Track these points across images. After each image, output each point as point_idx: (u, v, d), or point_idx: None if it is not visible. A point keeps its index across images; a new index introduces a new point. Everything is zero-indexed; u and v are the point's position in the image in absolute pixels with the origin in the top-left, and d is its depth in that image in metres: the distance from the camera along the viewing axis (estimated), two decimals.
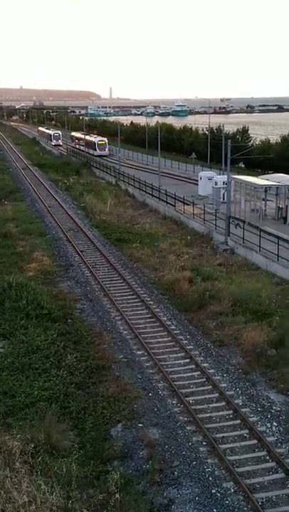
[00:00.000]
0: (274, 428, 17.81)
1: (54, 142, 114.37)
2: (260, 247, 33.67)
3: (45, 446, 16.16)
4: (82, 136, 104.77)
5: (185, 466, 15.96)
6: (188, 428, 17.79)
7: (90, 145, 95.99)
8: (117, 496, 14.08)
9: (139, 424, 17.99)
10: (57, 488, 14.22)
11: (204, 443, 17.02)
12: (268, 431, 17.65)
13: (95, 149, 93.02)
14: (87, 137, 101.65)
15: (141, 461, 16.24)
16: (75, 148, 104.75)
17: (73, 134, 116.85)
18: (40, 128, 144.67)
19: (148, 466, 15.95)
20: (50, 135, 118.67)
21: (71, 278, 32.84)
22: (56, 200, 57.87)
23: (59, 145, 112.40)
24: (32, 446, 15.74)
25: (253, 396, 19.70)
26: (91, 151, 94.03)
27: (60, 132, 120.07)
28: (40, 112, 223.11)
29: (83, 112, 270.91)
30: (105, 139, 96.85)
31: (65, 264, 35.56)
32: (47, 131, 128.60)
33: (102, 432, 17.64)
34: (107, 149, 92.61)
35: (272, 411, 18.74)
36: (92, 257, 36.91)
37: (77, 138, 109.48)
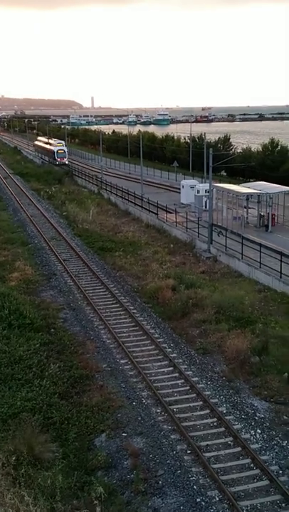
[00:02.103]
0: (258, 435, 17.81)
1: (58, 160, 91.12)
2: (242, 254, 33.84)
3: (28, 457, 15.95)
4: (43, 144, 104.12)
5: (169, 475, 15.88)
6: (172, 437, 17.73)
7: (49, 154, 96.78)
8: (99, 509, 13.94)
9: (123, 434, 17.89)
10: (41, 499, 14.04)
11: (189, 451, 16.96)
12: (252, 438, 17.65)
13: (55, 158, 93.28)
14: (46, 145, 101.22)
15: (125, 471, 16.14)
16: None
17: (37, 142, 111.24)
18: (37, 142, 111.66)
19: (132, 475, 15.84)
20: (54, 152, 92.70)
21: (54, 287, 32.67)
22: (38, 209, 57.65)
23: (64, 164, 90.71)
24: (14, 457, 15.54)
25: (236, 403, 19.70)
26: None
27: (65, 148, 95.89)
28: (21, 121, 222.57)
29: (65, 120, 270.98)
30: (63, 142, 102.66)
31: (47, 273, 35.38)
32: (48, 146, 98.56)
33: (86, 442, 17.51)
34: (66, 157, 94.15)
35: (256, 418, 18.75)
36: (74, 266, 36.78)
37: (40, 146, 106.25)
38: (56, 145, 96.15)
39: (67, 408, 19.19)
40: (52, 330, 25.88)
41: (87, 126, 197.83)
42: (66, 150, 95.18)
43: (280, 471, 15.97)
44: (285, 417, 18.66)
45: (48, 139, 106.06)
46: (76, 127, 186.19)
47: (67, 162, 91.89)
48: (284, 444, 17.24)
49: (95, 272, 35.13)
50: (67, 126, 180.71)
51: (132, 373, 21.97)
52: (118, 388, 20.70)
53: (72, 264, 37.23)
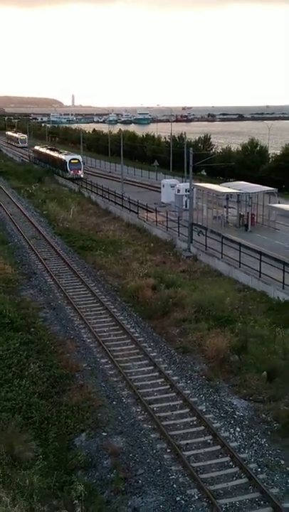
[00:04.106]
0: (237, 433, 17.95)
1: (71, 173, 72.54)
2: (222, 254, 34.02)
3: (7, 457, 15.89)
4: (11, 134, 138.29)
5: (149, 474, 15.93)
6: (152, 436, 17.78)
7: (15, 140, 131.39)
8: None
9: (103, 433, 17.90)
10: (20, 500, 13.96)
11: (168, 450, 17.03)
12: (231, 436, 17.78)
13: (18, 143, 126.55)
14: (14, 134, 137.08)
15: (105, 471, 16.15)
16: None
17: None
18: (40, 148, 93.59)
19: (112, 475, 15.86)
20: (65, 162, 73.49)
21: (34, 286, 32.52)
22: (18, 207, 57.31)
23: (79, 178, 71.57)
24: None
25: (216, 402, 19.83)
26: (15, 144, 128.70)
27: (79, 157, 76.18)
28: (1, 119, 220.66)
29: (45, 119, 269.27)
30: (25, 135, 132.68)
31: (27, 272, 35.20)
32: (56, 154, 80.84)
33: (66, 442, 17.50)
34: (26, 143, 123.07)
35: (235, 416, 18.90)
36: (55, 265, 36.65)
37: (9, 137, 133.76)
38: (68, 154, 78.53)
39: (47, 408, 19.15)
40: (32, 329, 25.77)
41: (67, 125, 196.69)
42: (81, 160, 75.49)
43: (259, 469, 16.12)
44: (263, 415, 18.83)
45: (47, 142, 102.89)
46: (57, 125, 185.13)
47: (82, 175, 72.07)
48: (262, 442, 17.40)
49: (76, 271, 35.05)
50: (47, 125, 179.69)
51: (112, 372, 21.98)
52: (98, 387, 20.70)
53: (53, 263, 37.09)
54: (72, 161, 73.09)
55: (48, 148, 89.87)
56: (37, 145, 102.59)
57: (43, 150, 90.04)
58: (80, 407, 19.10)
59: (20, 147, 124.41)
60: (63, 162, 74.25)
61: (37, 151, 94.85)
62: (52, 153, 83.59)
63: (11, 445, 16.27)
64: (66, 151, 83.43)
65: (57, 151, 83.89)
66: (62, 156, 76.16)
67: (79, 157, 76.04)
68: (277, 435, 17.72)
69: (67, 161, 73.01)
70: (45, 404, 19.38)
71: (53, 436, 17.66)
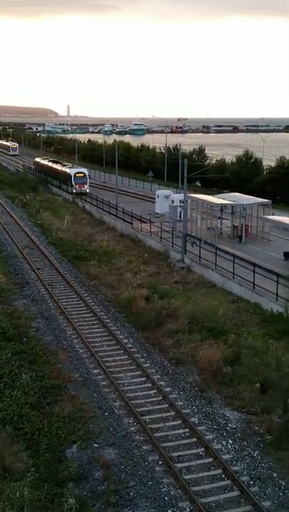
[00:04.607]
0: (229, 446, 17.85)
1: (76, 188, 67.64)
2: (216, 265, 34.04)
3: None
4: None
5: (141, 487, 15.80)
6: (144, 447, 17.66)
7: (6, 148, 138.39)
8: None
9: (95, 445, 17.76)
10: None
11: (160, 462, 16.91)
12: (223, 449, 17.68)
13: (9, 151, 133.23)
14: (5, 143, 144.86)
15: (96, 483, 16.00)
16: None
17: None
18: (41, 160, 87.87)
19: (104, 487, 15.72)
20: (70, 176, 68.70)
21: (27, 296, 32.38)
22: (12, 217, 57.20)
23: (84, 193, 66.64)
24: None
25: (209, 414, 19.74)
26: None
27: (85, 171, 70.97)
28: None
29: (40, 128, 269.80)
30: (16, 144, 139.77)
31: (20, 281, 35.07)
32: (59, 167, 75.35)
33: (57, 453, 17.33)
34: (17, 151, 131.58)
35: (228, 428, 18.81)
36: (48, 275, 36.54)
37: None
38: (73, 167, 73.32)
39: (39, 419, 19.00)
40: (24, 339, 25.61)
41: (62, 135, 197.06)
42: (87, 174, 70.38)
43: (251, 482, 16.02)
44: (256, 427, 18.75)
45: (41, 152, 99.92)
46: (52, 135, 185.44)
47: (88, 190, 67.30)
48: (255, 455, 17.31)
49: (69, 281, 34.96)
50: (42, 134, 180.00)
51: (104, 383, 21.86)
52: (90, 398, 20.57)
53: (46, 273, 36.98)
54: (77, 175, 68.29)
55: (50, 161, 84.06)
56: (38, 157, 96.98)
57: (45, 162, 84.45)
58: (71, 418, 18.96)
59: (11, 155, 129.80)
60: (68, 176, 69.38)
61: (38, 164, 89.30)
62: (55, 165, 78.25)
63: (1, 456, 16.15)
64: (70, 164, 78.53)
65: (60, 163, 78.76)
66: (67, 170, 71.18)
67: (85, 170, 70.88)
68: (269, 448, 17.63)
69: (72, 175, 68.15)
70: (37, 415, 19.24)
71: (44, 447, 17.51)
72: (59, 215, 55.76)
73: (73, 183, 67.68)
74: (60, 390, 21.04)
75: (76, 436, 18.09)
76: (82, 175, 68.72)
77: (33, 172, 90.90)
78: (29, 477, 15.76)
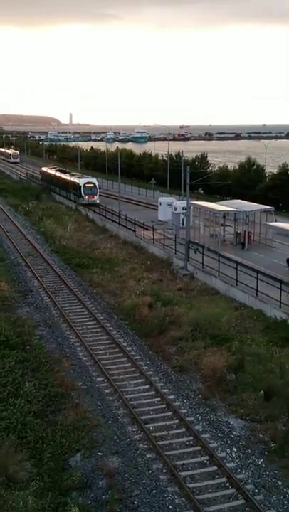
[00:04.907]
0: (234, 454, 17.77)
1: (86, 199, 65.73)
2: (219, 272, 34.00)
3: (1, 477, 15.69)
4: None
5: (145, 495, 15.72)
6: (148, 456, 17.59)
7: (7, 156, 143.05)
8: None
9: (99, 453, 17.70)
10: None
11: (164, 471, 16.84)
12: (227, 457, 17.60)
13: (10, 158, 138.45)
14: (6, 150, 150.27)
15: (100, 491, 15.93)
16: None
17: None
18: (48, 170, 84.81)
19: (108, 496, 15.65)
20: (79, 187, 66.50)
21: (30, 304, 32.38)
22: (15, 225, 57.32)
23: (94, 204, 64.90)
24: None
25: (213, 422, 19.66)
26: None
27: (95, 181, 68.75)
28: None
29: (43, 137, 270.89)
30: (17, 151, 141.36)
31: (24, 289, 35.08)
32: (68, 177, 72.58)
33: (61, 462, 17.26)
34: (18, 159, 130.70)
35: (232, 436, 18.73)
36: (51, 283, 36.55)
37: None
38: (82, 177, 70.90)
39: (42, 427, 18.93)
40: (27, 347, 25.59)
41: (65, 143, 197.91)
42: (97, 184, 68.15)
43: (256, 490, 15.94)
44: (260, 435, 18.66)
45: (44, 160, 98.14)
46: (54, 143, 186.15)
47: (98, 201, 65.29)
48: (259, 463, 17.23)
49: (72, 288, 34.96)
50: (45, 143, 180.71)
51: (108, 391, 21.81)
52: (94, 406, 20.52)
53: (49, 281, 37.00)
54: (86, 185, 66.02)
55: (57, 170, 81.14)
56: (42, 165, 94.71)
57: (52, 172, 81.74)
58: (75, 427, 18.89)
59: (12, 163, 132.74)
60: (77, 186, 67.09)
61: (44, 173, 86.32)
62: (63, 175, 75.43)
63: (5, 465, 16.09)
64: (79, 174, 76.10)
65: (68, 173, 75.77)
66: (76, 180, 68.72)
67: (94, 180, 68.68)
68: (274, 455, 17.54)
69: (82, 185, 65.90)
70: (40, 423, 19.17)
71: (47, 456, 17.44)
72: (62, 223, 55.84)
73: (83, 193, 65.67)
74: (64, 398, 20.99)
75: (80, 444, 18.03)
76: (92, 185, 66.55)
77: (40, 182, 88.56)
78: (33, 486, 15.70)
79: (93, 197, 65.51)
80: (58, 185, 77.05)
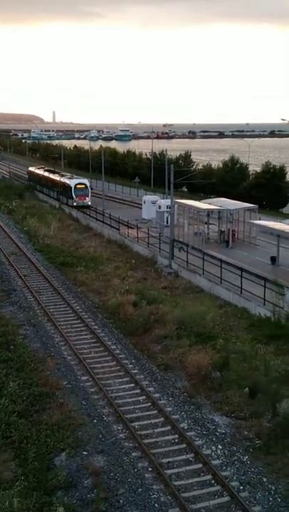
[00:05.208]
0: (219, 451, 17.82)
1: (77, 200, 62.42)
2: (203, 270, 34.08)
3: None
4: None
5: (130, 494, 15.71)
6: (133, 454, 17.57)
7: None
8: None
9: (84, 452, 17.64)
10: None
11: (150, 469, 16.83)
12: (213, 454, 17.65)
13: None
14: None
15: (86, 490, 15.88)
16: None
17: None
18: (36, 170, 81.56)
19: (93, 495, 15.60)
20: (70, 188, 63.35)
21: (14, 303, 32.17)
22: None
23: (86, 206, 61.63)
24: None
25: (198, 419, 19.70)
26: None
27: (86, 182, 65.70)
28: None
29: (26, 135, 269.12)
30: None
31: (7, 289, 34.84)
32: (57, 178, 69.43)
33: (46, 462, 17.17)
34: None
35: (217, 434, 18.78)
36: (35, 282, 36.36)
37: None
38: (72, 178, 67.52)
39: (27, 427, 18.84)
40: (11, 347, 25.43)
41: (48, 141, 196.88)
42: (88, 185, 64.90)
43: (241, 487, 16.00)
44: (245, 432, 18.74)
45: (27, 158, 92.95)
46: (37, 142, 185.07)
47: (90, 203, 61.84)
48: (244, 460, 17.30)
49: (56, 287, 34.81)
50: (28, 141, 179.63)
51: (93, 390, 21.75)
52: (79, 406, 20.45)
53: (33, 280, 36.80)
54: (77, 186, 62.69)
55: (46, 170, 77.40)
56: (32, 165, 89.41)
57: (40, 172, 78.19)
58: (60, 426, 18.82)
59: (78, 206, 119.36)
60: (67, 187, 63.65)
61: (32, 173, 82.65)
62: (52, 176, 72.07)
63: None
64: (69, 174, 72.32)
65: (58, 173, 72.15)
66: (66, 180, 65.40)
67: (86, 181, 65.27)
68: (259, 452, 17.62)
69: (73, 186, 62.57)
70: (25, 423, 19.08)
71: (32, 455, 17.35)
72: (45, 222, 55.60)
73: (73, 195, 62.25)
74: (49, 397, 20.90)
75: (65, 444, 17.96)
76: (83, 186, 63.16)
77: (28, 183, 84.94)
78: (18, 486, 15.62)
79: (85, 198, 62.37)
80: (47, 186, 73.98)
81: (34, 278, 37.39)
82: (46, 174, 75.25)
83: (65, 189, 64.85)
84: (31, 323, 28.88)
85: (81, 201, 61.90)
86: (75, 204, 62.04)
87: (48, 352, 25.30)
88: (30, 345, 26.05)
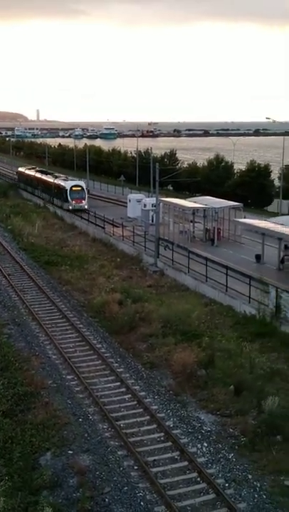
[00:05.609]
0: (204, 449, 17.85)
1: (73, 204, 58.18)
2: (189, 268, 34.12)
3: None
4: None
5: (116, 492, 15.68)
6: (119, 453, 17.54)
7: None
8: None
9: (69, 451, 17.58)
10: None
11: (136, 467, 16.81)
12: (198, 452, 17.67)
13: None
14: None
15: (71, 490, 15.82)
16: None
17: None
18: (26, 170, 77.83)
19: (79, 494, 15.55)
20: (65, 190, 59.12)
21: None
22: None
23: (83, 210, 57.67)
24: None
25: (183, 417, 19.72)
26: None
27: (83, 184, 62.24)
28: None
29: (10, 133, 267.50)
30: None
31: None
32: (51, 179, 65.52)
33: (31, 461, 17.09)
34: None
35: (203, 431, 18.81)
36: (19, 281, 36.15)
37: None
38: (67, 179, 63.48)
39: (11, 427, 18.72)
40: None
41: (32, 139, 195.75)
42: (85, 187, 61.51)
43: (226, 484, 16.04)
44: (231, 429, 18.80)
45: (11, 157, 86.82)
46: (21, 140, 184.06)
47: (86, 206, 58.11)
48: (230, 457, 17.34)
49: (41, 286, 34.64)
50: (12, 139, 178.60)
51: (78, 389, 21.68)
52: (64, 405, 20.37)
53: (17, 279, 36.59)
54: (73, 189, 58.54)
55: (38, 171, 73.16)
56: (22, 166, 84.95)
57: (31, 173, 74.01)
58: (45, 425, 18.74)
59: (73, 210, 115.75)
60: (62, 190, 59.59)
61: (22, 174, 78.49)
62: (45, 177, 67.90)
63: None
64: (64, 176, 68.22)
65: (51, 174, 68.36)
66: (61, 182, 61.52)
67: (82, 183, 61.91)
68: (244, 449, 17.69)
69: (68, 189, 58.42)
70: (9, 422, 18.96)
71: (17, 455, 17.24)
72: (30, 220, 55.32)
73: (69, 198, 58.09)
74: (33, 396, 20.79)
75: (50, 443, 17.88)
76: (79, 188, 59.18)
77: (17, 184, 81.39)
78: (2, 486, 15.51)
79: (81, 201, 58.16)
80: (39, 188, 69.49)
81: (18, 277, 37.17)
82: (38, 175, 70.76)
83: (59, 192, 60.86)
84: (16, 323, 28.71)
85: (77, 205, 57.86)
86: (70, 208, 58.05)
87: (32, 351, 25.17)
88: (14, 344, 25.90)
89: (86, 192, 59.97)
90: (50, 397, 20.80)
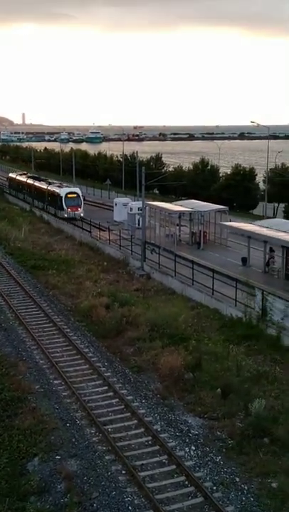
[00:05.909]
0: (192, 452, 17.88)
1: (68, 211, 55.80)
2: (175, 271, 34.20)
3: None
4: None
5: (104, 497, 15.65)
6: (107, 457, 17.51)
7: None
8: None
9: (57, 457, 17.51)
10: None
11: (124, 472, 16.79)
12: (186, 455, 17.69)
13: None
14: None
15: (59, 495, 15.77)
16: None
17: None
18: (17, 176, 75.30)
19: (66, 499, 15.50)
20: (60, 197, 56.59)
21: None
22: None
23: (76, 219, 54.99)
24: None
25: (171, 421, 19.74)
26: None
27: (78, 191, 58.88)
28: None
29: None
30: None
31: None
32: (44, 186, 62.93)
33: (18, 467, 17.01)
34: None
35: (190, 435, 18.84)
36: (6, 285, 35.98)
37: None
38: (62, 186, 60.79)
39: None
40: None
41: (18, 143, 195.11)
42: (80, 194, 58.45)
43: (214, 487, 16.08)
44: (218, 432, 18.85)
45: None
46: (7, 144, 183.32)
47: (82, 214, 55.52)
48: (217, 460, 17.39)
49: (28, 291, 34.51)
50: None
51: (65, 394, 21.62)
52: (51, 410, 20.29)
53: (4, 284, 36.41)
54: (68, 196, 56.14)
55: (29, 177, 70.80)
56: (13, 172, 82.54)
57: (23, 179, 71.36)
58: (32, 431, 18.66)
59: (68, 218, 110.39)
60: (57, 197, 57.07)
61: (13, 180, 75.73)
62: (37, 183, 65.24)
63: None
64: (58, 182, 65.80)
65: (44, 181, 65.89)
66: (55, 189, 58.92)
67: (77, 190, 59.04)
68: (232, 452, 17.75)
69: (63, 196, 56.02)
70: None
71: (4, 461, 17.17)
72: (16, 225, 55.06)
73: (64, 205, 55.74)
74: (21, 402, 20.70)
75: (37, 448, 17.81)
76: (75, 195, 56.61)
77: (8, 190, 79.21)
78: None
79: (77, 209, 55.66)
80: (32, 195, 66.69)
81: (5, 282, 36.99)
82: (31, 182, 68.05)
83: (53, 199, 58.31)
84: (2, 327, 28.56)
85: (73, 213, 55.30)
86: (66, 216, 55.54)
87: (19, 356, 25.06)
88: (1, 349, 25.76)
89: (82, 199, 57.83)
90: (38, 402, 20.72)
